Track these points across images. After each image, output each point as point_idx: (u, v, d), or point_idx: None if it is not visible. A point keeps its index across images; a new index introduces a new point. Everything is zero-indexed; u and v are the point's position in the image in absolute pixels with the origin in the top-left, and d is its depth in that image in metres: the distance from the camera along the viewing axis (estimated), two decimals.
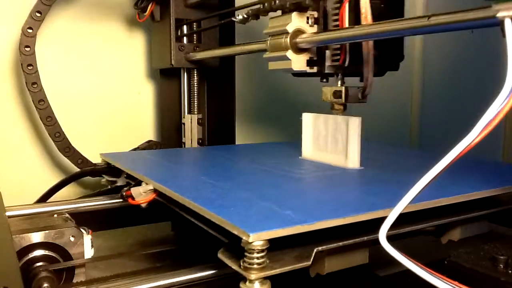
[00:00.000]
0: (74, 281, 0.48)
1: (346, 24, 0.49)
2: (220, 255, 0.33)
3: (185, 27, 0.79)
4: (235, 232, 0.31)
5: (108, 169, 0.64)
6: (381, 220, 0.35)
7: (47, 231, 0.47)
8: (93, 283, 0.43)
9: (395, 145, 1.20)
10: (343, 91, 0.52)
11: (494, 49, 1.07)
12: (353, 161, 0.53)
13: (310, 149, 0.59)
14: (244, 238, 0.29)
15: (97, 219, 0.60)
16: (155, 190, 0.47)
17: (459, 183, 0.45)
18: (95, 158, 0.80)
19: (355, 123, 0.52)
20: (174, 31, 0.76)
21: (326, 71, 0.53)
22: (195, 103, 0.82)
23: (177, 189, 0.42)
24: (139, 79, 0.92)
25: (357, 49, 0.50)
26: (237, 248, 0.31)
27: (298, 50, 0.51)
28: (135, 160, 0.62)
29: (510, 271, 0.39)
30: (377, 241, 0.36)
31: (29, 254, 0.46)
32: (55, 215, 0.53)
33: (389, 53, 0.54)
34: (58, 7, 0.81)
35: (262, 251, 0.30)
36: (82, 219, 0.55)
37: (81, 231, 0.48)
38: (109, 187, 0.66)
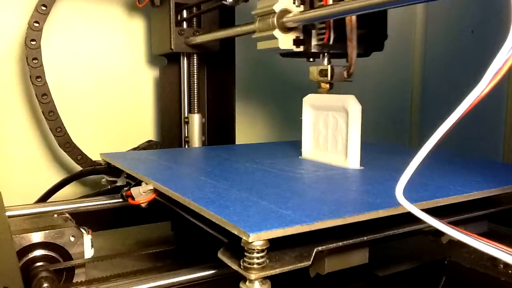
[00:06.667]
0: (74, 281, 0.47)
1: (330, 1, 0.50)
2: (220, 255, 0.33)
3: (184, 12, 0.79)
4: (235, 232, 0.30)
5: (109, 168, 0.64)
6: (381, 220, 0.35)
7: (47, 231, 0.47)
8: (93, 283, 0.43)
9: (395, 144, 1.20)
10: (329, 69, 0.53)
11: (495, 49, 1.07)
12: (353, 161, 0.52)
13: (310, 149, 0.59)
14: (244, 238, 0.29)
15: (97, 219, 0.60)
16: (155, 190, 0.47)
17: (459, 182, 0.45)
18: (95, 156, 0.80)
19: (355, 110, 0.51)
20: (174, 16, 0.76)
21: (313, 50, 0.54)
22: (195, 91, 0.81)
23: (177, 189, 0.42)
24: (139, 70, 0.91)
25: (342, 27, 0.51)
26: (237, 248, 0.31)
27: (285, 29, 0.53)
28: (134, 160, 0.62)
29: (510, 271, 0.39)
30: (377, 241, 0.36)
31: (29, 254, 0.46)
32: (55, 215, 0.53)
33: (373, 32, 0.55)
34: None
35: (262, 251, 0.30)
36: (82, 219, 0.55)
37: (81, 231, 0.48)
38: (108, 187, 0.66)
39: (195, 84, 0.80)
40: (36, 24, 0.73)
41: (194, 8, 0.78)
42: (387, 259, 0.50)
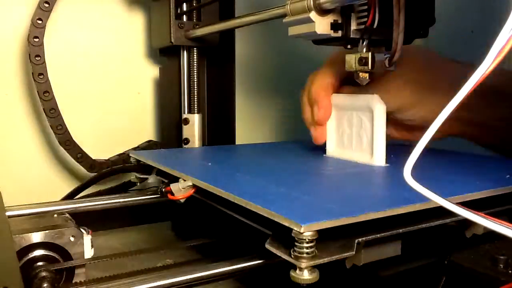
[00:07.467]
0: (74, 281, 0.47)
1: None
2: (268, 246, 0.34)
3: (184, 5, 0.79)
4: (286, 224, 0.31)
5: (138, 166, 0.63)
6: (416, 213, 0.36)
7: (47, 231, 0.46)
8: (93, 283, 0.43)
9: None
10: (370, 57, 0.48)
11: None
12: (378, 158, 0.53)
13: (334, 147, 0.60)
14: (295, 229, 0.30)
15: (97, 219, 0.60)
16: (193, 186, 0.47)
17: (482, 179, 0.46)
18: (94, 154, 0.81)
19: (380, 109, 0.53)
20: (174, 9, 0.76)
21: (351, 35, 0.49)
22: (195, 88, 0.80)
23: (219, 185, 0.43)
24: (139, 70, 0.91)
25: (386, 9, 0.46)
26: (281, 240, 0.32)
27: (322, 11, 0.48)
28: (166, 158, 0.62)
29: (510, 271, 0.39)
30: (408, 233, 0.36)
31: (29, 254, 0.45)
32: (55, 215, 0.53)
33: (418, 16, 0.49)
34: None
35: (312, 241, 0.30)
36: (84, 219, 0.55)
37: (81, 231, 0.48)
38: (137, 183, 0.66)
39: (195, 82, 0.80)
40: (39, 21, 0.73)
41: (194, 1, 0.79)
42: (387, 259, 0.50)
